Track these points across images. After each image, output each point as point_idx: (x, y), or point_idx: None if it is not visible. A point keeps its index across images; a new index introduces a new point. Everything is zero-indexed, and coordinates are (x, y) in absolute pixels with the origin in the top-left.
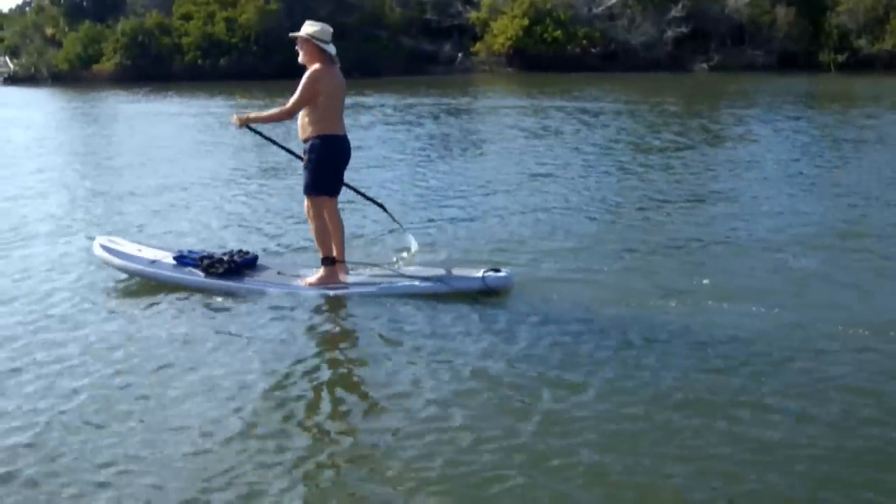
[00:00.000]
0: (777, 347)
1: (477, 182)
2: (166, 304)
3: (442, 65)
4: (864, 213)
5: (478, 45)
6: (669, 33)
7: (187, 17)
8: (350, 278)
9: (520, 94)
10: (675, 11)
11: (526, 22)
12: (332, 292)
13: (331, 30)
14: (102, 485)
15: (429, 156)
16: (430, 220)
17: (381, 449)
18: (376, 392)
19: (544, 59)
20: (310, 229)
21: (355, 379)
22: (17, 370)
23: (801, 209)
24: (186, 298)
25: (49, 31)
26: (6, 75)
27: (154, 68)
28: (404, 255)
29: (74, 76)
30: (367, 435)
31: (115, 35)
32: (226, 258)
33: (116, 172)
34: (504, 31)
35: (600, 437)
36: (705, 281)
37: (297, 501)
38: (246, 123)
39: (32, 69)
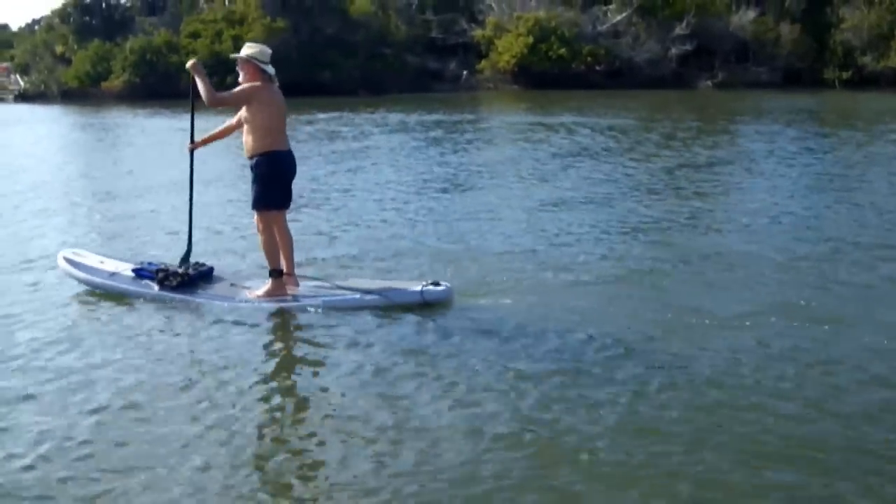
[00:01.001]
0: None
1: (465, 198)
2: (120, 316)
3: (447, 82)
4: None
5: (483, 63)
6: (674, 50)
7: (195, 36)
8: (297, 290)
9: (523, 110)
10: (680, 29)
11: (531, 40)
12: (277, 304)
13: (269, 51)
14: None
15: (424, 171)
16: (403, 232)
17: (313, 459)
18: (310, 402)
19: (549, 76)
20: (259, 242)
21: (293, 389)
22: None
23: (820, 224)
24: (141, 310)
25: (59, 48)
26: (17, 92)
27: (162, 85)
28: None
29: (83, 93)
30: (301, 443)
31: (124, 53)
32: (180, 271)
33: (110, 184)
34: (509, 48)
35: (536, 445)
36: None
37: None
38: (195, 146)
39: (42, 86)
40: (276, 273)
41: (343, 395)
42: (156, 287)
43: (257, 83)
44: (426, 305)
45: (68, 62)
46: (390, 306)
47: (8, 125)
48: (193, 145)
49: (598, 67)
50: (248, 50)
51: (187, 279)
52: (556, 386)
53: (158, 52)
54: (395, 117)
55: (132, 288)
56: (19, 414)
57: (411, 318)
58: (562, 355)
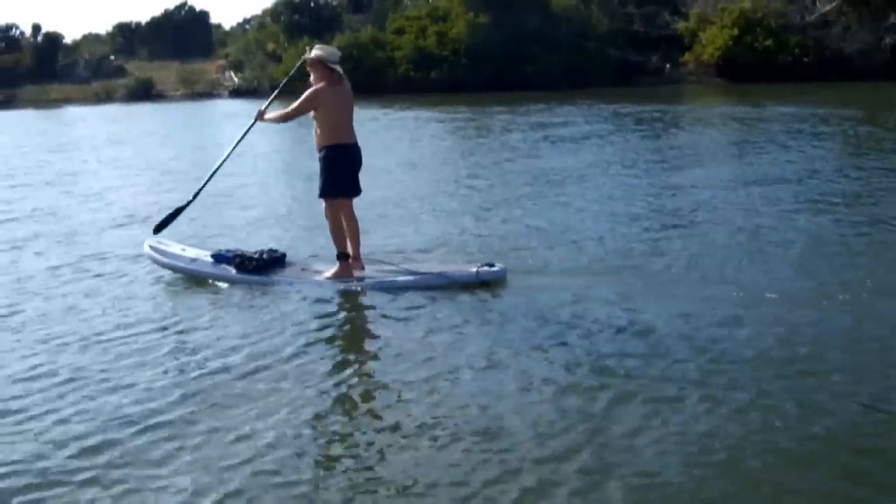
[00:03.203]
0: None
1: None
2: (202, 296)
3: (650, 75)
4: None
5: (686, 56)
6: (887, 41)
7: (400, 32)
8: (363, 273)
9: (729, 103)
10: (894, 18)
11: (736, 31)
12: (344, 285)
13: (338, 52)
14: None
15: (611, 165)
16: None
17: (387, 425)
18: (378, 373)
19: (754, 68)
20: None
21: (360, 362)
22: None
23: None
24: (220, 292)
25: (270, 46)
26: (231, 88)
27: (368, 81)
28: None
29: (293, 89)
30: (374, 412)
31: None
32: (255, 256)
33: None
34: (713, 41)
35: (595, 426)
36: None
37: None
38: (261, 118)
39: (255, 82)
40: (342, 256)
41: (395, 368)
42: (233, 271)
43: (320, 85)
44: (480, 284)
45: (279, 59)
46: (448, 285)
47: (228, 118)
48: (259, 116)
49: (805, 59)
50: (317, 51)
51: (262, 263)
52: (582, 378)
53: (365, 48)
54: (595, 110)
55: (212, 272)
56: (134, 371)
57: (467, 297)
58: (598, 346)
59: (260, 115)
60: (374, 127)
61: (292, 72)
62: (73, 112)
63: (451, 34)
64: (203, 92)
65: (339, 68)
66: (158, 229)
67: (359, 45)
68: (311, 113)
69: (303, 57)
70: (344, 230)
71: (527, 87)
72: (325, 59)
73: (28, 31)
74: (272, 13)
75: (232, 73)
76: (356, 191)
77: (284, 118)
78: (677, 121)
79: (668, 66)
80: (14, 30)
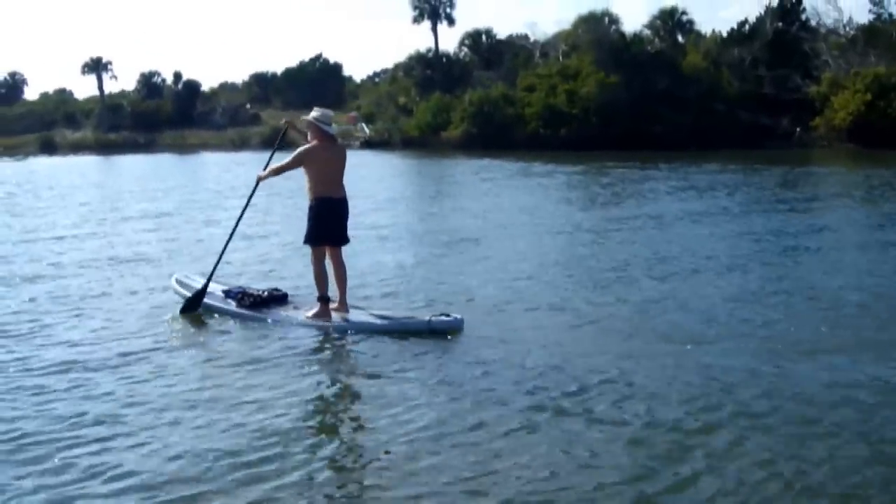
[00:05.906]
0: None
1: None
2: (199, 326)
3: (779, 139)
4: None
5: (817, 120)
6: None
7: (531, 89)
8: (347, 315)
9: (857, 169)
10: None
11: (869, 97)
12: (319, 324)
13: (331, 114)
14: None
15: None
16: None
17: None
18: (319, 400)
19: (888, 134)
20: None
21: (309, 389)
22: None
23: None
24: (222, 324)
25: (401, 100)
26: (363, 139)
27: (497, 136)
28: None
29: (423, 142)
30: (324, 433)
31: (463, 105)
32: (255, 293)
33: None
34: (845, 105)
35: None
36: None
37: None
38: (260, 179)
39: (386, 135)
40: (322, 299)
41: (335, 395)
42: (234, 305)
43: (312, 143)
44: (434, 332)
45: (409, 112)
46: (404, 331)
47: (357, 168)
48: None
49: None
50: (313, 113)
51: (259, 300)
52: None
53: (495, 104)
54: (721, 171)
55: (218, 305)
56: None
57: (418, 342)
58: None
59: (259, 179)
60: (505, 182)
61: (277, 141)
62: (217, 158)
63: (582, 93)
64: None
65: (330, 129)
66: (186, 310)
67: (489, 101)
68: (303, 168)
69: (301, 118)
70: (325, 275)
71: (655, 146)
72: (317, 120)
73: (169, 79)
74: (404, 67)
75: (364, 125)
76: (343, 240)
77: (277, 171)
78: (809, 185)
79: (798, 129)
80: (156, 77)
